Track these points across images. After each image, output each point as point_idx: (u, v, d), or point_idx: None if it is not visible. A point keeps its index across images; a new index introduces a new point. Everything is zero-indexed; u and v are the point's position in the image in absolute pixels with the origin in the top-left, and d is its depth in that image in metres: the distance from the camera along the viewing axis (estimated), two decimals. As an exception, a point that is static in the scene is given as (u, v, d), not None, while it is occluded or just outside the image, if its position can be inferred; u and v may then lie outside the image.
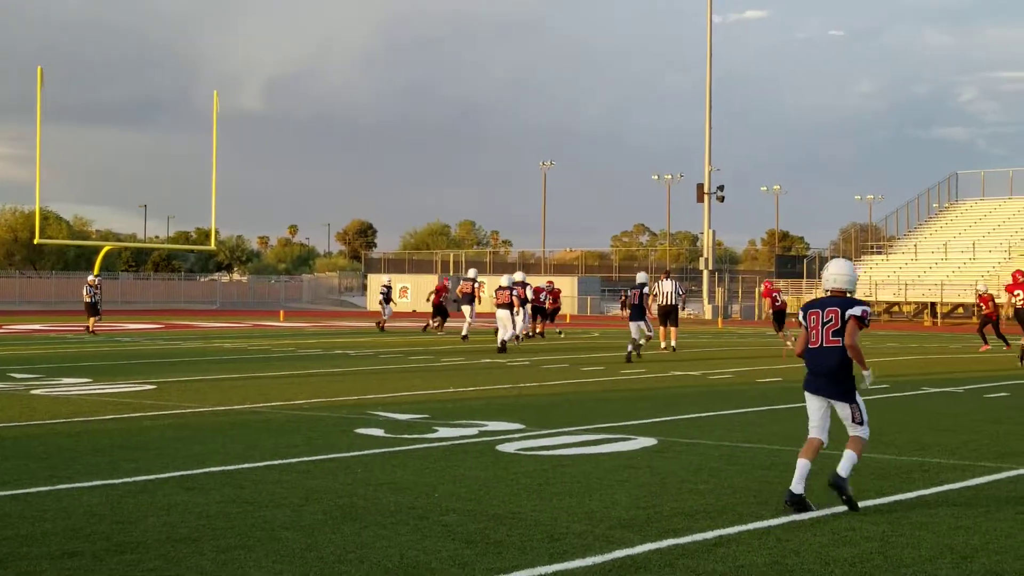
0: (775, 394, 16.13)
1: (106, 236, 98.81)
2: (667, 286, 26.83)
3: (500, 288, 26.97)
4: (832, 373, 7.96)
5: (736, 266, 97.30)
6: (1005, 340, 28.51)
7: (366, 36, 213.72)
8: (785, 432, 11.83)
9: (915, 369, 21.81)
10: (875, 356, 24.48)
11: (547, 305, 34.38)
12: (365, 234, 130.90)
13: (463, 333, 30.43)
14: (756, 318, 56.31)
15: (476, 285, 31.40)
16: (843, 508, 7.72)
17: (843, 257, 8.74)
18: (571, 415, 13.35)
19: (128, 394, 15.31)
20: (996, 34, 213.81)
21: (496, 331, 27.19)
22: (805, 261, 65.79)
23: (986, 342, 28.57)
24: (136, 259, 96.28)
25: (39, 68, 35.57)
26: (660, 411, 13.71)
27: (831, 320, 8.01)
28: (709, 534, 6.97)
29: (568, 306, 56.72)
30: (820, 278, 62.35)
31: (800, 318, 8.26)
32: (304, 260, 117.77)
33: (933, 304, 54.24)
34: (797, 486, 7.68)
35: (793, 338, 30.63)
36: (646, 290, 25.17)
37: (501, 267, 78.51)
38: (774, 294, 29.92)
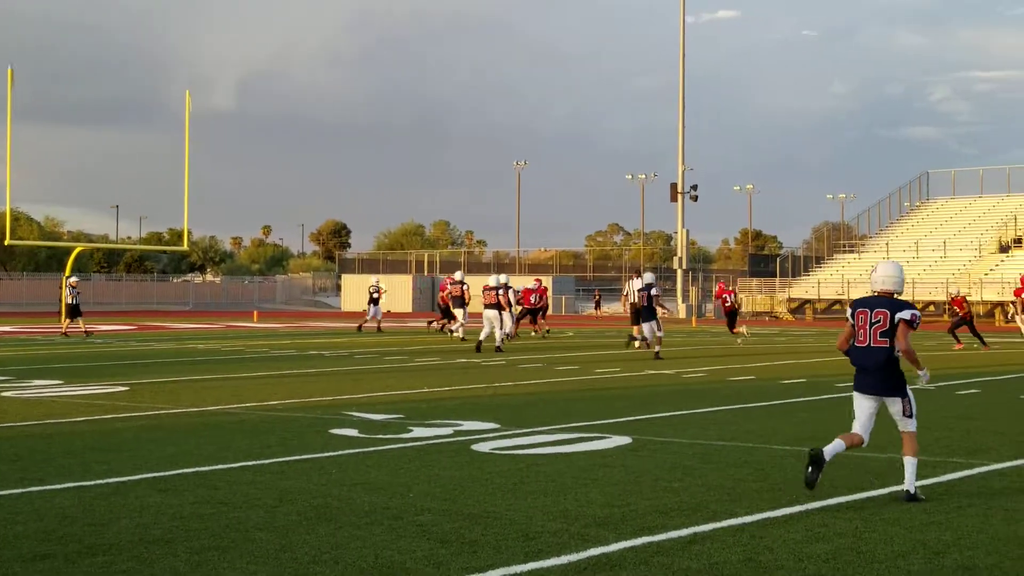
0: (748, 392, 16.18)
1: (78, 237, 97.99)
2: (638, 284, 26.98)
3: (488, 288, 27.01)
4: (880, 369, 8.19)
5: (710, 265, 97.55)
6: (982, 339, 28.87)
7: (333, 36, 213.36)
8: (758, 430, 11.88)
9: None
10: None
11: (538, 305, 34.68)
12: (339, 234, 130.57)
13: (460, 335, 30.55)
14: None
15: (465, 287, 31.55)
16: (817, 504, 7.78)
17: (890, 260, 8.95)
18: (546, 414, 13.36)
19: (100, 396, 15.21)
20: (968, 35, 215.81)
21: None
22: (778, 260, 66.10)
23: (959, 341, 28.82)
24: (108, 260, 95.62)
25: (9, 68, 35.23)
26: (634, 410, 13.73)
27: (879, 321, 8.22)
28: (683, 532, 6.98)
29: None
30: (798, 277, 62.19)
31: (848, 315, 8.47)
32: (278, 261, 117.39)
33: (905, 302, 54.52)
34: (826, 451, 8.16)
35: (745, 335, 31.04)
36: (654, 291, 25.21)
37: (476, 267, 78.53)
38: (724, 295, 30.71)
